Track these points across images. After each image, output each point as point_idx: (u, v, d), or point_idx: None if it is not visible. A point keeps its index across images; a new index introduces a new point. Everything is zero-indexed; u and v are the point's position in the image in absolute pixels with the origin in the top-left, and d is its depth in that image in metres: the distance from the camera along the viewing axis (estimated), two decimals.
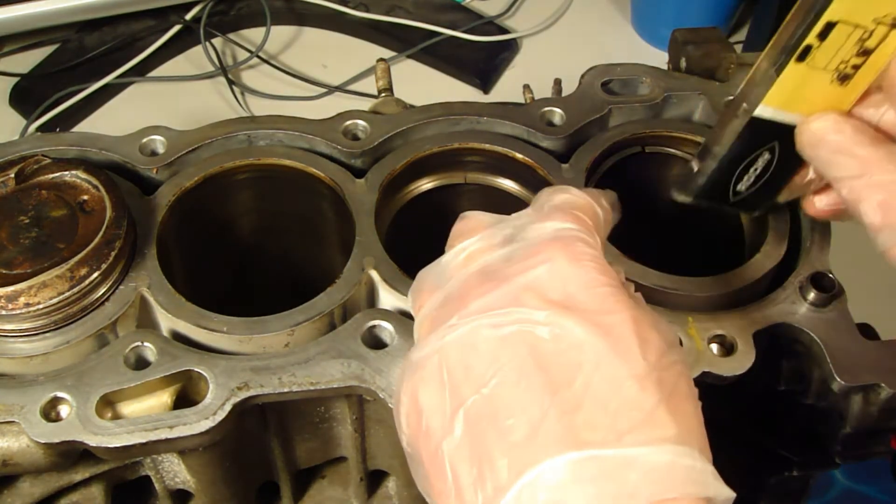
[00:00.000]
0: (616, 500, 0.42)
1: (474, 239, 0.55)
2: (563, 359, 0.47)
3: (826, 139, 0.58)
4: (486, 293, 0.50)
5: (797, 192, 0.67)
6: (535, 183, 0.81)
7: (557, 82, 0.98)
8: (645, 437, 0.44)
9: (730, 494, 0.45)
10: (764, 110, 0.60)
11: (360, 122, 0.80)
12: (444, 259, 0.56)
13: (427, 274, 0.57)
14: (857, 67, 0.57)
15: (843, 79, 0.57)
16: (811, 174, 0.65)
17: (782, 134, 0.61)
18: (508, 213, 0.84)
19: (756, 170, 0.65)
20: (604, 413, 0.45)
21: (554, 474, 0.43)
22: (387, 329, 0.67)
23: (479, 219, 0.58)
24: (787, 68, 0.57)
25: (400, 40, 1.49)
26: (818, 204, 0.66)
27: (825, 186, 0.65)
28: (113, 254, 0.66)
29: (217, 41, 1.48)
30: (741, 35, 1.50)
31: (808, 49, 0.56)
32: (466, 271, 0.53)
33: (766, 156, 0.64)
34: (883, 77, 0.57)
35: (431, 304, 0.54)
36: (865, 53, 0.56)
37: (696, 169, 0.66)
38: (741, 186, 0.66)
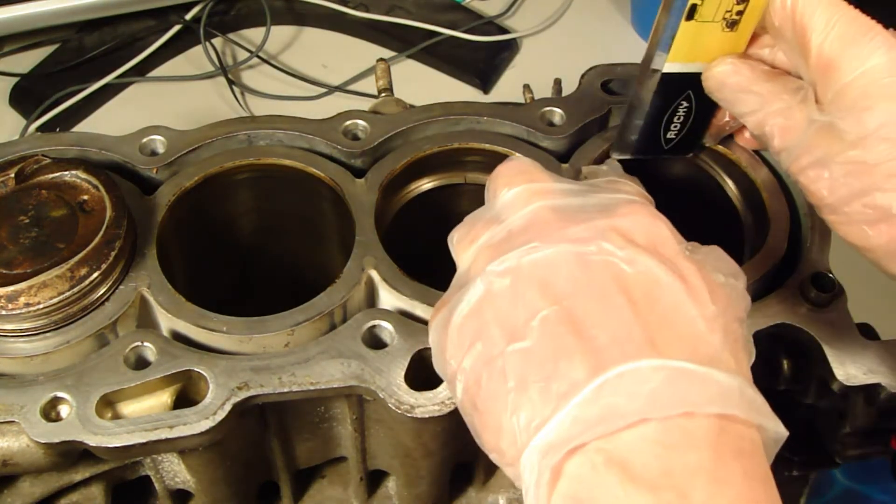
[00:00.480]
0: (694, 407, 0.45)
1: (536, 185, 0.56)
2: (643, 290, 0.49)
3: (727, 82, 0.65)
4: (567, 227, 0.52)
5: (722, 131, 0.76)
6: None
7: (557, 82, 0.98)
8: (714, 365, 0.47)
9: (784, 433, 0.48)
10: (671, 66, 0.67)
11: (360, 122, 0.80)
12: (500, 199, 0.57)
13: (480, 212, 0.58)
14: (741, 13, 0.63)
15: (732, 25, 0.64)
16: (725, 119, 0.74)
17: (693, 83, 0.68)
18: None
19: (679, 118, 0.72)
20: (680, 340, 0.48)
21: (638, 374, 0.46)
22: (387, 329, 0.67)
23: (525, 164, 0.59)
24: (679, 28, 0.64)
25: (400, 40, 1.49)
26: (744, 138, 0.77)
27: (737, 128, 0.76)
28: (113, 254, 0.66)
29: (217, 41, 1.48)
30: None
31: (693, 7, 0.63)
32: (532, 209, 0.54)
33: (685, 104, 0.71)
34: (765, 19, 0.63)
35: (491, 236, 0.55)
36: (744, 1, 0.62)
37: (624, 131, 0.74)
38: (670, 135, 0.74)
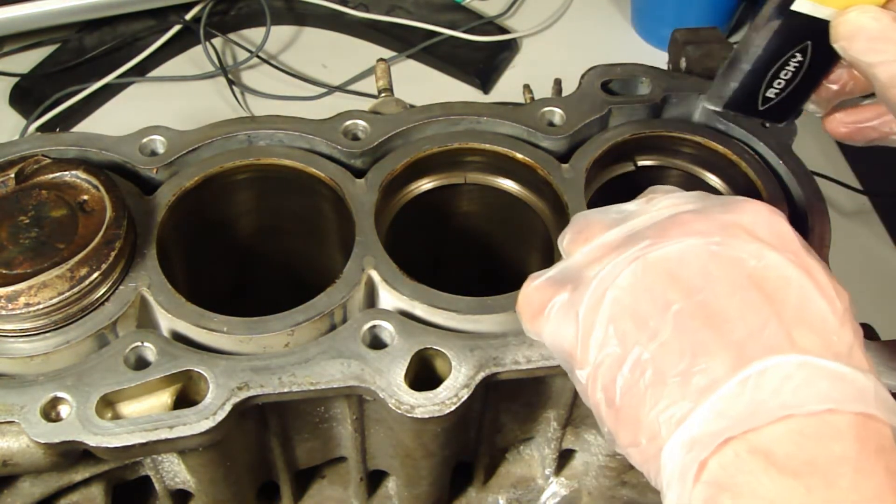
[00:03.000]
0: (837, 404, 0.45)
1: (668, 196, 0.57)
2: (774, 285, 0.49)
3: (865, 27, 0.61)
4: (691, 223, 0.52)
5: (822, 105, 0.70)
6: (535, 183, 0.81)
7: (557, 82, 0.98)
8: (849, 363, 0.47)
9: None
10: (801, 5, 0.62)
11: (360, 122, 0.80)
12: (624, 205, 0.58)
13: (595, 213, 0.58)
14: None
15: None
16: (836, 86, 0.68)
17: (816, 32, 0.63)
18: (508, 214, 0.84)
19: (787, 74, 0.68)
20: (815, 335, 0.48)
21: (780, 370, 0.46)
22: (387, 329, 0.67)
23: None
24: None
25: (400, 40, 1.49)
26: (839, 119, 0.70)
27: (846, 105, 0.69)
28: (113, 254, 0.66)
29: (217, 41, 1.48)
30: (741, 35, 1.50)
31: None
32: (656, 209, 0.55)
33: (798, 58, 0.66)
34: None
35: (612, 236, 0.55)
36: None
37: (726, 76, 0.69)
38: (771, 93, 0.69)
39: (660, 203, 0.56)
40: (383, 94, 0.97)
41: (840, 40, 0.63)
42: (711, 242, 0.51)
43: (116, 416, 0.64)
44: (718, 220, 0.52)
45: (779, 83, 0.69)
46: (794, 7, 0.63)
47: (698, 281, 0.50)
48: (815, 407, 0.45)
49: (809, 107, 0.71)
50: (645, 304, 0.50)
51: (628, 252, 0.52)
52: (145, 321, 0.69)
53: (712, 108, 0.72)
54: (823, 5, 0.62)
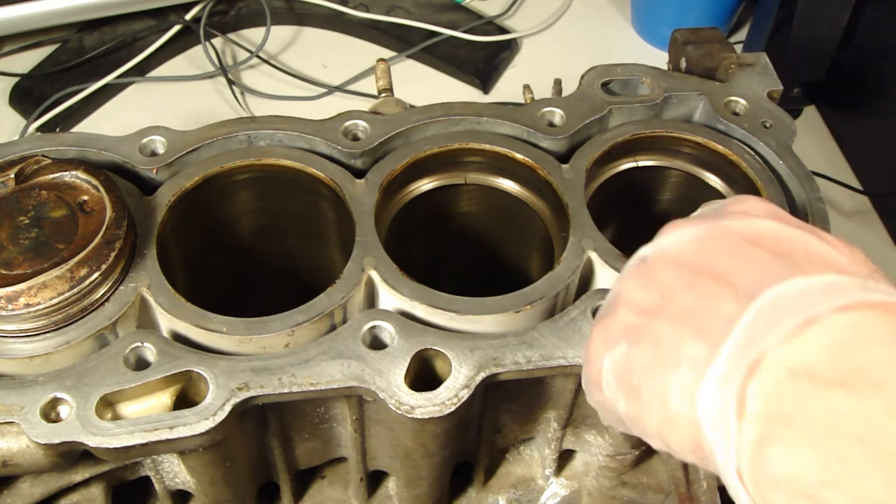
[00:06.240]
0: (858, 297, 0.43)
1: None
2: (774, 242, 0.49)
3: None
4: (686, 224, 0.53)
5: None
6: (535, 183, 0.81)
7: (557, 82, 0.98)
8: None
9: None
10: None
11: (361, 122, 0.80)
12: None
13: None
14: None
15: None
16: None
17: None
18: (508, 214, 0.84)
19: None
20: (827, 268, 0.47)
21: (793, 288, 0.45)
22: (387, 329, 0.67)
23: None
24: None
25: (400, 40, 1.49)
26: None
27: None
28: (113, 254, 0.66)
29: (217, 41, 1.48)
30: (741, 35, 1.50)
31: None
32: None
33: None
34: None
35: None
36: None
37: None
38: None
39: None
40: (383, 94, 0.97)
41: None
42: (705, 225, 0.51)
43: (116, 417, 0.64)
44: (710, 215, 0.53)
45: None
46: None
47: (698, 257, 0.50)
48: (837, 301, 0.43)
49: None
50: (650, 291, 0.51)
51: (630, 260, 0.55)
52: (145, 322, 0.69)
53: None
54: None
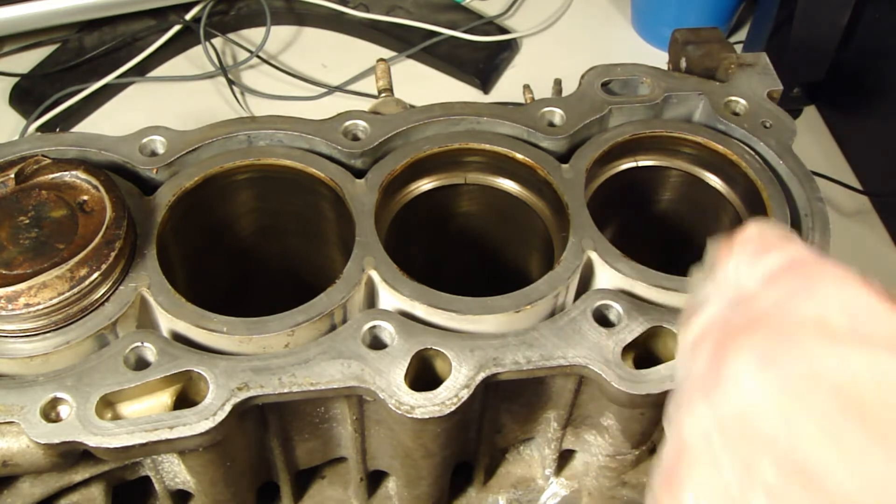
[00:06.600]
0: None
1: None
2: (875, 397, 0.40)
3: None
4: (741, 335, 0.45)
5: None
6: (535, 183, 0.81)
7: (557, 82, 0.98)
8: None
9: None
10: None
11: (361, 122, 0.80)
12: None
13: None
14: None
15: None
16: None
17: None
18: (508, 214, 0.84)
19: None
20: None
21: None
22: (387, 329, 0.67)
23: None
24: None
25: (400, 40, 1.49)
26: None
27: None
28: (113, 254, 0.66)
29: (217, 41, 1.48)
30: (741, 35, 1.50)
31: None
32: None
33: None
34: None
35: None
36: None
37: None
38: None
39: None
40: (383, 94, 0.97)
41: None
42: (781, 374, 0.41)
43: (116, 417, 0.64)
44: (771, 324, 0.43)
45: None
46: None
47: (780, 430, 0.40)
48: None
49: None
50: (724, 474, 0.42)
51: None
52: (145, 321, 0.69)
53: None
54: None
